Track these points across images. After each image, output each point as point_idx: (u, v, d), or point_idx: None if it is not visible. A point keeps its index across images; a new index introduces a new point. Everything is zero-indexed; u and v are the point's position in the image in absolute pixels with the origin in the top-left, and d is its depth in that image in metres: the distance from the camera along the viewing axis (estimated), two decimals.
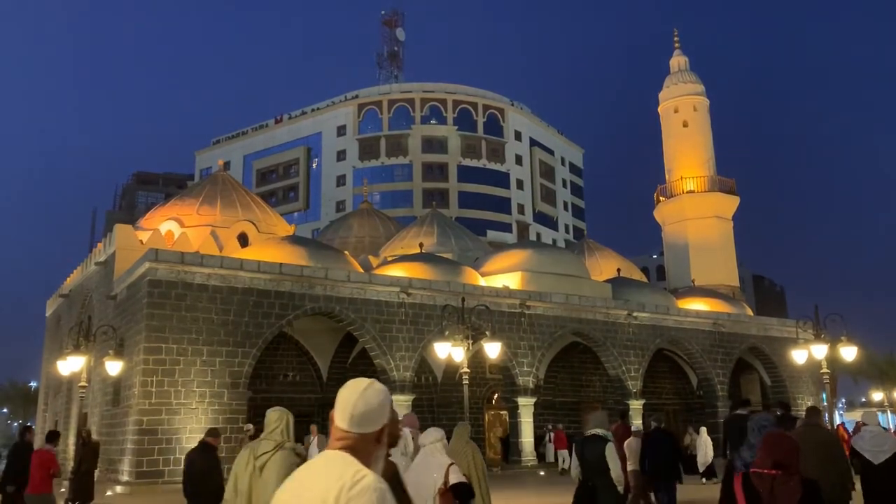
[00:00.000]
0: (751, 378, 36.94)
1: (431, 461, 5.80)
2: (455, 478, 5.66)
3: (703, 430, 22.67)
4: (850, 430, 21.21)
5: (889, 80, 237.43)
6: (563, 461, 24.93)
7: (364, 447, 2.32)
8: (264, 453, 4.95)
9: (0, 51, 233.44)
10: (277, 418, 5.18)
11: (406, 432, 7.43)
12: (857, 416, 36.00)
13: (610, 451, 7.40)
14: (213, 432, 9.90)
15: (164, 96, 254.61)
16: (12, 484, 11.38)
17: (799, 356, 22.65)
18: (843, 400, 63.93)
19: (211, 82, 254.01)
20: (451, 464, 5.79)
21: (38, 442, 17.97)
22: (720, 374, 32.75)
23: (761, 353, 34.93)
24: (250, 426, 18.41)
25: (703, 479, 20.27)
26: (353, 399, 2.42)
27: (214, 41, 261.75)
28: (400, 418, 8.16)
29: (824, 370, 20.83)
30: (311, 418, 27.28)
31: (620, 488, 7.34)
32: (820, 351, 20.42)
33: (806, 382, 35.24)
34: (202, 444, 9.55)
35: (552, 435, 28.05)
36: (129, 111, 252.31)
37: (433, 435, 5.95)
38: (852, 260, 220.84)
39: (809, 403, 35.08)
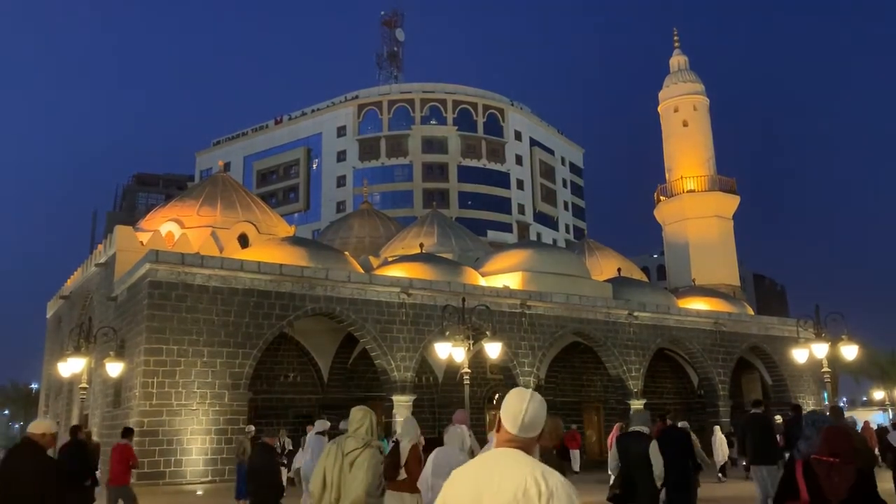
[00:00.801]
0: (752, 377, 36.92)
1: (450, 455, 6.62)
2: None
3: (717, 429, 22.71)
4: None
5: (890, 79, 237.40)
6: (574, 461, 25.18)
7: (527, 447, 2.79)
8: (353, 450, 5.41)
9: (1, 52, 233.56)
10: (361, 417, 5.61)
11: (464, 429, 7.78)
12: (863, 415, 35.97)
13: (653, 449, 7.69)
14: (270, 433, 11.11)
15: (165, 97, 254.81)
16: (81, 480, 11.66)
17: (800, 355, 22.63)
18: (845, 399, 63.88)
19: (211, 83, 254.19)
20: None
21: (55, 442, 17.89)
22: (721, 374, 32.74)
23: (762, 352, 34.91)
24: (251, 427, 18.49)
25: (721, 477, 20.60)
26: (523, 409, 2.80)
27: (214, 42, 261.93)
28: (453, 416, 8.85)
29: (825, 369, 20.82)
30: (312, 419, 27.28)
31: (659, 483, 7.62)
32: (821, 350, 20.40)
33: (807, 381, 35.22)
34: (261, 444, 10.27)
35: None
36: (129, 112, 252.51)
37: (459, 432, 6.83)
38: (853, 259, 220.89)
39: (806, 403, 35.07)
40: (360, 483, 5.30)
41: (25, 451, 6.17)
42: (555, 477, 2.64)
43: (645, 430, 8.01)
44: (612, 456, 8.31)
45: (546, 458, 2.36)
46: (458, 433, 7.41)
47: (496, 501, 2.61)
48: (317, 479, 5.52)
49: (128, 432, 13.43)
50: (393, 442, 8.36)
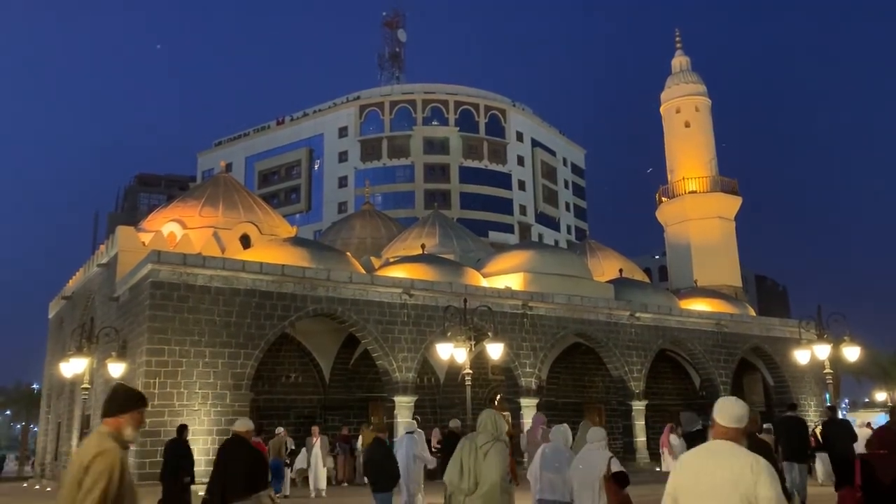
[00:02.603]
0: (753, 378, 36.88)
1: (596, 455, 7.31)
2: (615, 467, 7.16)
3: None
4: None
5: (892, 78, 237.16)
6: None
7: (737, 437, 3.66)
8: (485, 443, 6.58)
9: (2, 53, 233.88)
10: (487, 417, 6.83)
11: (567, 427, 8.54)
12: (864, 417, 35.89)
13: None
14: (381, 429, 12.84)
15: (166, 98, 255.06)
16: (174, 476, 13.34)
17: (802, 356, 22.61)
18: (847, 400, 63.79)
19: (213, 84, 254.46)
20: (612, 457, 7.28)
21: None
22: (723, 375, 32.70)
23: (764, 353, 34.87)
24: (282, 429, 21.18)
25: None
26: (734, 407, 3.79)
27: (216, 42, 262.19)
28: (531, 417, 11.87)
29: (827, 370, 20.80)
30: (314, 420, 27.30)
31: None
32: (823, 351, 20.39)
33: (809, 383, 35.18)
34: (377, 439, 11.64)
35: None
36: (131, 113, 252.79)
37: (598, 434, 7.53)
38: (855, 260, 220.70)
39: (808, 404, 35.03)
40: (495, 470, 6.44)
41: (237, 444, 8.46)
42: (761, 460, 3.50)
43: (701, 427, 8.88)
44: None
45: (750, 440, 3.86)
46: (562, 431, 8.25)
47: (718, 477, 3.45)
48: (454, 469, 6.57)
49: (258, 430, 16.03)
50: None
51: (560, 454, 7.91)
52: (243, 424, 8.67)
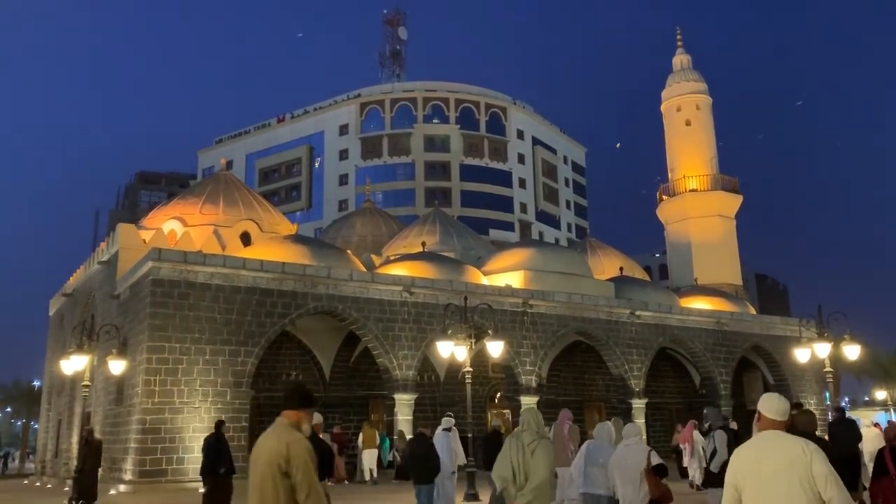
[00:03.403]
0: (754, 377, 36.90)
1: (635, 449, 7.84)
2: (655, 460, 7.68)
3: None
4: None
5: (892, 77, 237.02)
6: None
7: (782, 429, 4.23)
8: (531, 441, 6.98)
9: (3, 52, 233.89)
10: (530, 415, 7.28)
11: (610, 425, 8.98)
12: (870, 415, 35.92)
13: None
14: (423, 426, 14.08)
15: (167, 96, 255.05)
16: (213, 471, 13.90)
17: (802, 355, 22.63)
18: (847, 398, 63.79)
19: (213, 81, 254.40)
20: (651, 450, 7.83)
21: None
22: (723, 373, 32.72)
23: (764, 351, 34.88)
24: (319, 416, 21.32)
25: None
26: (779, 402, 4.36)
27: (216, 40, 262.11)
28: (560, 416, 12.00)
29: (827, 369, 20.81)
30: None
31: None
32: (823, 349, 20.39)
33: (809, 381, 35.19)
34: (419, 434, 12.60)
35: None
36: (131, 111, 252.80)
37: (635, 429, 8.15)
38: (855, 258, 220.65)
39: (808, 402, 35.05)
40: (543, 466, 6.86)
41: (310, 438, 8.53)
42: (809, 443, 4.06)
43: (734, 425, 9.55)
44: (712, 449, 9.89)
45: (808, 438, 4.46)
46: (606, 429, 8.73)
47: (776, 462, 3.98)
48: (504, 467, 7.02)
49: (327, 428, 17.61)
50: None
51: (603, 449, 8.36)
52: (315, 419, 9.62)
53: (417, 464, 11.89)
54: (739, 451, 4.24)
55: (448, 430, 14.20)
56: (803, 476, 3.89)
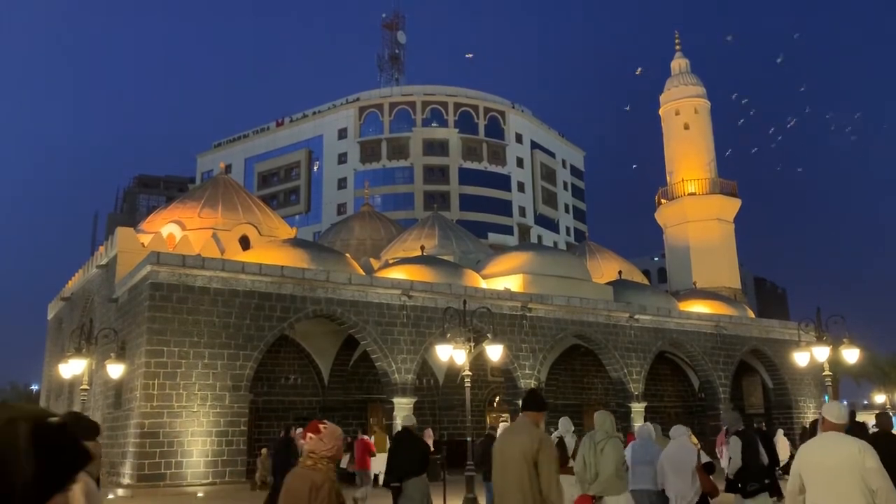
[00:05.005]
0: (753, 380, 36.88)
1: (686, 447, 8.65)
2: (704, 458, 8.55)
3: (780, 431, 22.68)
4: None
5: (892, 78, 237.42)
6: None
7: (841, 430, 5.16)
8: (601, 440, 7.85)
9: (1, 54, 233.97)
10: (604, 417, 8.16)
11: (650, 426, 9.98)
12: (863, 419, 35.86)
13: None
14: (493, 426, 15.30)
15: (166, 99, 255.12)
16: (284, 471, 14.87)
17: (801, 358, 22.58)
18: (846, 402, 63.77)
19: (212, 85, 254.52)
20: (699, 449, 8.72)
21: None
22: (722, 377, 32.71)
23: (763, 355, 34.88)
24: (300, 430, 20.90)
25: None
26: (839, 409, 5.28)
27: (215, 44, 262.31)
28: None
29: (826, 372, 20.79)
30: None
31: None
32: (822, 353, 20.37)
33: (808, 385, 35.19)
34: (489, 434, 13.96)
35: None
36: (130, 114, 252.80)
37: (682, 430, 8.98)
38: (854, 261, 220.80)
39: (807, 406, 35.04)
40: (611, 463, 7.68)
41: (407, 435, 10.87)
42: (864, 443, 4.98)
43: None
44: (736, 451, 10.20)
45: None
46: (647, 429, 9.67)
47: (837, 457, 4.86)
48: (578, 461, 8.07)
49: (364, 430, 20.72)
50: (556, 439, 11.42)
51: (649, 448, 9.13)
52: (410, 420, 11.18)
53: (489, 460, 12.55)
54: (806, 447, 5.26)
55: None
56: (858, 469, 4.77)
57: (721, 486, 9.02)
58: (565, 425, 12.45)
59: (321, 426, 4.33)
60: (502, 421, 30.12)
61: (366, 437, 19.77)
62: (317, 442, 4.24)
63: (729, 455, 9.76)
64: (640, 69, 53.85)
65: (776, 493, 9.01)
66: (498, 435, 9.93)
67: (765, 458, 8.65)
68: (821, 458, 4.99)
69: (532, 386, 27.51)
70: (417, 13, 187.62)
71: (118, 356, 20.84)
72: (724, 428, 20.00)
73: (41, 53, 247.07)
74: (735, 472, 8.70)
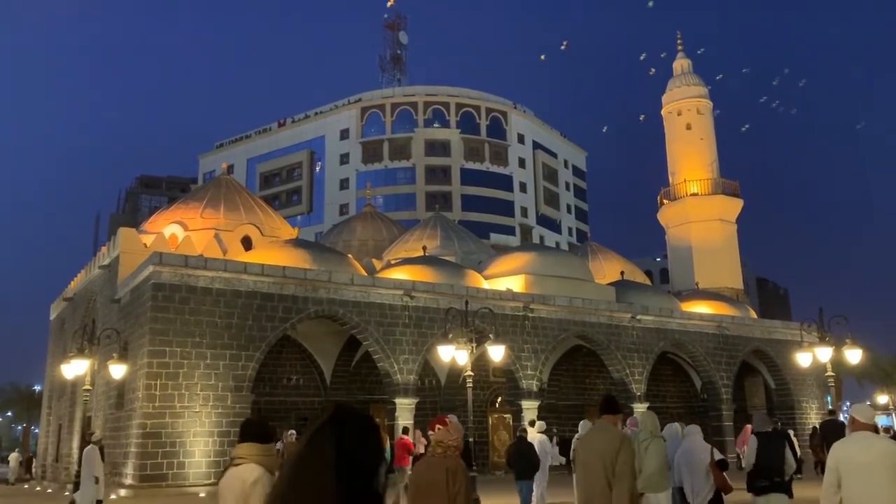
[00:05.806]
0: (755, 381, 36.85)
1: (700, 445, 9.00)
2: (717, 455, 8.79)
3: (791, 433, 22.65)
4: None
5: (893, 80, 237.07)
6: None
7: (871, 430, 5.67)
8: (645, 440, 8.31)
9: (3, 56, 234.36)
10: (647, 418, 8.70)
11: (678, 426, 10.20)
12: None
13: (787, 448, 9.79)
14: (524, 428, 15.95)
15: (168, 100, 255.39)
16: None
17: (803, 359, 22.59)
18: (848, 402, 63.68)
19: (214, 86, 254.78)
20: (713, 447, 8.94)
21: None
22: (724, 377, 32.66)
23: (765, 355, 34.83)
24: (293, 432, 21.24)
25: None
26: (868, 410, 5.78)
27: (217, 45, 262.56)
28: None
29: (829, 373, 20.79)
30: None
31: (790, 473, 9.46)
32: (824, 354, 20.37)
33: (810, 385, 35.14)
34: (520, 437, 14.45)
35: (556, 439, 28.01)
36: (132, 115, 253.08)
37: (696, 428, 9.37)
38: (857, 262, 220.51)
39: (810, 407, 35.00)
40: (654, 461, 8.15)
41: (523, 439, 13.18)
42: (891, 439, 5.63)
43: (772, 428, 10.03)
44: (751, 452, 10.22)
45: None
46: (674, 429, 9.97)
47: (870, 454, 5.32)
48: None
49: (405, 430, 20.95)
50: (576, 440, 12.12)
51: (693, 446, 9.32)
52: (540, 426, 14.10)
53: (520, 462, 13.63)
54: (841, 445, 5.63)
55: (543, 432, 16.20)
56: (890, 465, 5.27)
57: (737, 484, 9.07)
58: (585, 427, 13.01)
59: (447, 419, 4.82)
60: (527, 424, 30.14)
61: (405, 436, 20.12)
62: (444, 433, 4.73)
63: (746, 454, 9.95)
64: (643, 54, 53.68)
65: (789, 493, 8.98)
66: (579, 438, 10.59)
67: (791, 461, 8.68)
68: (856, 455, 5.42)
69: (534, 387, 27.53)
70: (419, 14, 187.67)
71: (120, 357, 20.84)
72: (747, 426, 20.04)
73: (44, 54, 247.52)
74: (748, 470, 8.81)
